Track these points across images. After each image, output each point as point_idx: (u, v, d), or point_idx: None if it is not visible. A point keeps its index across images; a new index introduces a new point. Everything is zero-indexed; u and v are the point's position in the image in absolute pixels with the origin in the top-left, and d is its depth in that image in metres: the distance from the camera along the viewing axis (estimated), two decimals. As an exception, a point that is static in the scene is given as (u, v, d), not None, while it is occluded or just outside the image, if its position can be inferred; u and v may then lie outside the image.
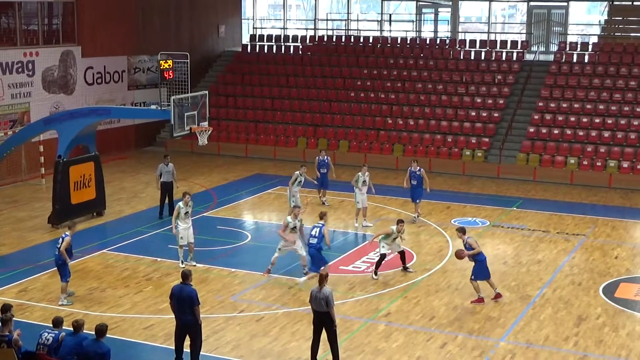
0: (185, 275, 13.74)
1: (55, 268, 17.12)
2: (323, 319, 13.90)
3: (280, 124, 34.35)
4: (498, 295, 17.42)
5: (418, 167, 23.59)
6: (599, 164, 29.34)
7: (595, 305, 17.31)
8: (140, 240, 21.50)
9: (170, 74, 21.86)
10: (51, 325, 12.57)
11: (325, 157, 25.49)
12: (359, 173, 23.33)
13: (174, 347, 13.91)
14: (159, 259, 19.85)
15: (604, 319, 16.60)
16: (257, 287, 18.14)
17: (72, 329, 12.29)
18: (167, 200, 23.45)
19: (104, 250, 20.61)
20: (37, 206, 24.91)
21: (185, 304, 13.55)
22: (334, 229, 22.87)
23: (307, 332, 15.53)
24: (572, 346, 15.24)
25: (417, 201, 23.65)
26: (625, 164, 29.10)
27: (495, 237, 22.45)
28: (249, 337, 15.40)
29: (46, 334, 12.35)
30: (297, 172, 23.44)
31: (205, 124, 22.48)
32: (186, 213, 19.11)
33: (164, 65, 21.70)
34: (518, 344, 15.29)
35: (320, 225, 18.17)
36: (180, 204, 19.16)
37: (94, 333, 12.09)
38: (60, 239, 16.85)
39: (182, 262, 19.17)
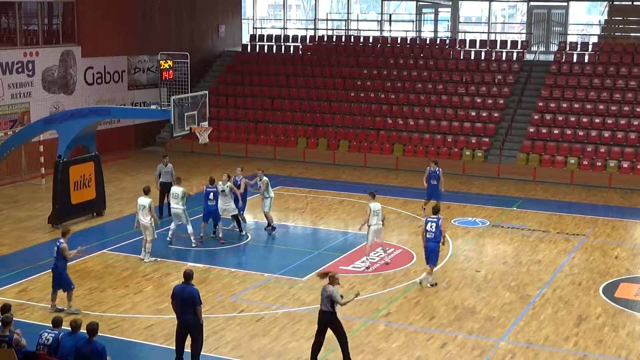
0: (188, 275, 13.78)
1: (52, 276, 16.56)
2: (326, 319, 13.89)
3: (280, 124, 34.35)
4: None
5: (438, 168, 23.55)
6: (599, 164, 29.35)
7: (595, 305, 17.31)
8: (140, 241, 21.46)
9: (170, 74, 21.86)
10: (51, 325, 12.57)
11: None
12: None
13: (174, 347, 13.90)
14: (159, 259, 19.85)
15: (604, 319, 16.60)
16: (257, 287, 18.14)
17: (70, 328, 12.29)
18: (166, 200, 23.44)
19: (104, 250, 20.61)
20: (37, 206, 24.91)
21: (187, 304, 13.57)
22: (334, 229, 22.87)
23: (307, 332, 15.54)
24: (572, 346, 15.24)
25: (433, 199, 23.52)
26: (625, 164, 29.10)
27: (495, 237, 22.45)
28: (249, 337, 15.40)
29: (46, 334, 12.36)
30: (256, 178, 22.35)
31: (205, 123, 22.49)
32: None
33: (164, 65, 21.70)
34: (518, 344, 15.29)
35: (436, 219, 17.94)
36: (148, 199, 19.66)
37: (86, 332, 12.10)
38: (55, 248, 16.39)
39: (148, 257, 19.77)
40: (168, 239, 20.98)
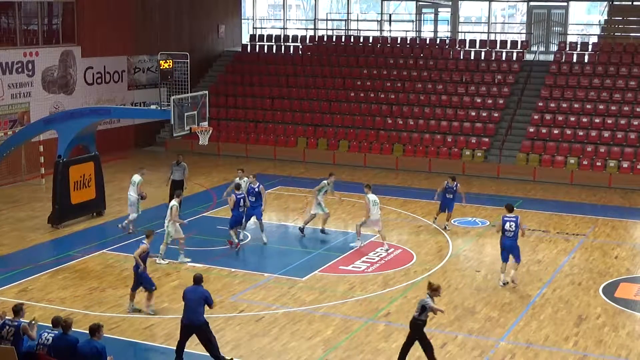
0: (198, 279, 14.08)
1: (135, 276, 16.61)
2: (412, 323, 13.80)
3: (280, 124, 34.35)
4: None
5: (455, 183, 22.53)
6: (599, 164, 29.35)
7: (595, 305, 17.32)
8: (140, 241, 21.47)
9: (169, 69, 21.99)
10: (51, 325, 12.60)
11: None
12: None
13: (175, 347, 13.90)
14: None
15: (604, 319, 16.61)
16: (257, 287, 18.14)
17: (63, 329, 12.36)
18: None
19: (104, 250, 20.60)
20: (37, 206, 24.91)
21: (198, 303, 13.75)
22: (334, 229, 22.86)
23: (307, 332, 15.56)
24: (572, 346, 15.24)
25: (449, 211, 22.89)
26: (625, 164, 29.11)
27: (495, 237, 22.33)
28: (249, 337, 15.40)
29: (46, 334, 12.39)
30: (325, 182, 22.08)
31: (205, 124, 22.49)
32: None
33: (164, 65, 21.71)
34: (518, 344, 15.29)
35: (515, 217, 18.25)
36: (174, 202, 19.70)
37: (88, 332, 12.17)
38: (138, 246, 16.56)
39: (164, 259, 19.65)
40: (126, 229, 21.75)
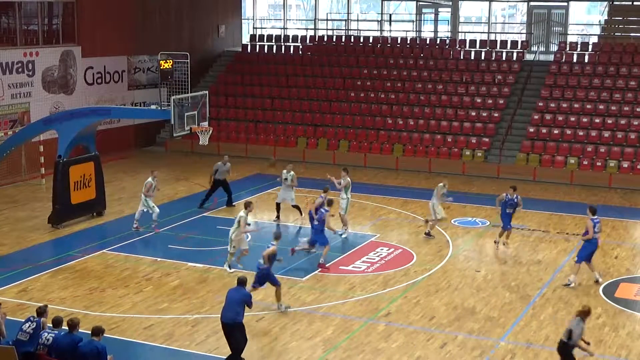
0: (243, 281, 14.18)
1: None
2: (559, 347, 13.43)
3: (280, 124, 34.35)
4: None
5: (516, 195, 21.04)
6: (599, 164, 29.35)
7: (595, 305, 17.28)
8: (140, 240, 21.50)
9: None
10: (51, 325, 12.61)
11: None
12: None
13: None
14: (159, 259, 19.85)
15: (604, 319, 16.61)
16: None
17: (68, 328, 12.40)
18: (211, 194, 24.89)
19: (104, 250, 20.60)
20: (37, 206, 24.90)
21: (239, 304, 13.87)
22: (335, 229, 22.86)
23: (307, 332, 15.55)
24: (572, 346, 15.23)
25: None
26: (625, 164, 29.11)
27: (495, 237, 22.41)
28: (249, 337, 15.34)
29: (46, 334, 12.41)
30: (440, 185, 21.99)
31: (205, 124, 22.52)
32: (248, 223, 19.29)
33: (164, 65, 21.71)
34: (518, 344, 15.28)
35: (599, 219, 18.26)
36: (242, 213, 18.96)
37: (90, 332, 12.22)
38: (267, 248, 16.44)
39: (230, 267, 19.08)
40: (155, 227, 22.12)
